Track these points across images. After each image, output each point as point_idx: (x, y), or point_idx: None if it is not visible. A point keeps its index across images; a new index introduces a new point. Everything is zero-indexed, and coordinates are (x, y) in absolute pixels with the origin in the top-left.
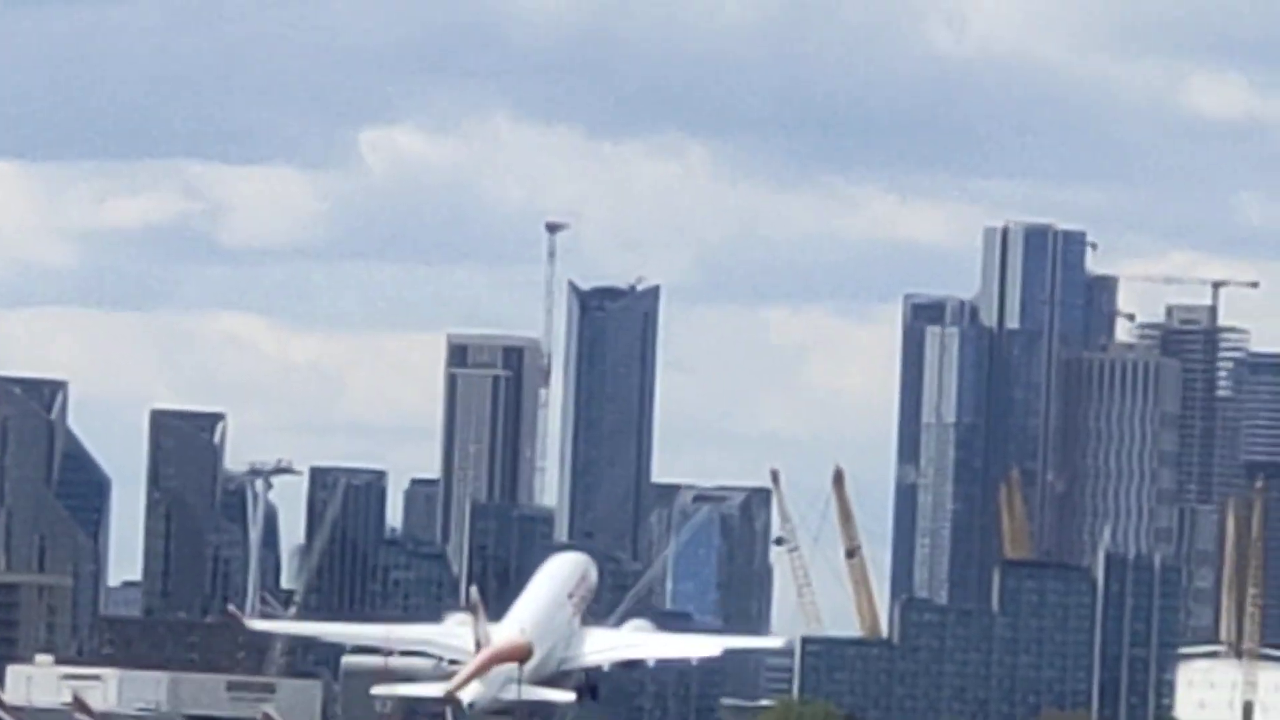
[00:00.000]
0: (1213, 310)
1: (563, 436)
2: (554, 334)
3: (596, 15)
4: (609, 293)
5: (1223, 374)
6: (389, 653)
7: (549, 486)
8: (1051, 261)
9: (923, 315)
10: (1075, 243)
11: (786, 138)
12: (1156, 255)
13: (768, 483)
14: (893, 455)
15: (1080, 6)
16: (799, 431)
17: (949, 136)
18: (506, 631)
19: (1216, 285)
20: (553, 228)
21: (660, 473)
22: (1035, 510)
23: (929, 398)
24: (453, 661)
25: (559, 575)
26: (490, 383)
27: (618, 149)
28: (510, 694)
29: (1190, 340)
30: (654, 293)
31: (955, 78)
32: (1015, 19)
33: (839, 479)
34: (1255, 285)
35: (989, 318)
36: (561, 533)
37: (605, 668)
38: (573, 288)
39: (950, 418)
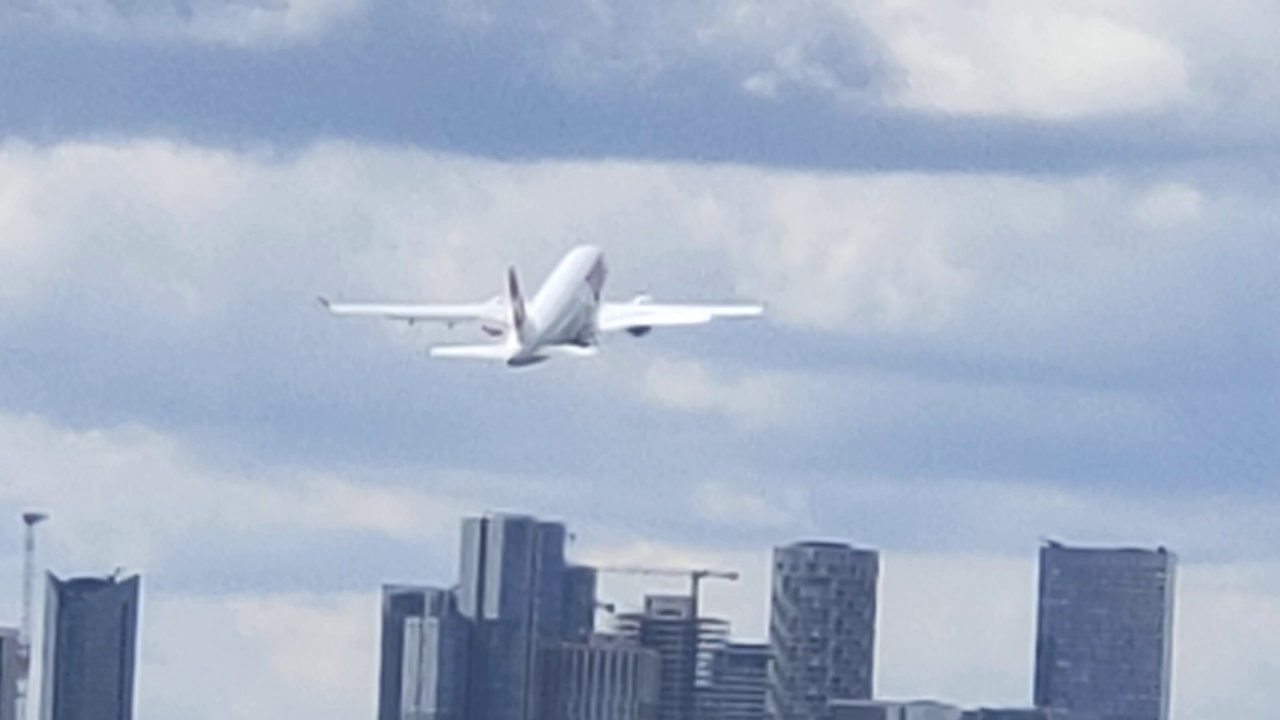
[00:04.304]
0: (692, 601)
1: None
2: (33, 625)
3: (55, 305)
4: (88, 583)
5: (702, 665)
6: None
7: None
8: (531, 552)
9: (402, 605)
10: (555, 534)
11: (248, 428)
12: (627, 546)
13: None
14: None
15: None
16: None
17: (418, 429)
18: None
19: (697, 576)
20: (31, 519)
21: None
22: None
23: (408, 688)
24: (494, 332)
25: (578, 261)
26: None
27: (81, 439)
28: (543, 351)
29: (669, 631)
30: (134, 583)
31: (417, 372)
32: None
33: None
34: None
35: (468, 608)
36: None
37: (615, 333)
38: (51, 578)
39: (430, 708)
